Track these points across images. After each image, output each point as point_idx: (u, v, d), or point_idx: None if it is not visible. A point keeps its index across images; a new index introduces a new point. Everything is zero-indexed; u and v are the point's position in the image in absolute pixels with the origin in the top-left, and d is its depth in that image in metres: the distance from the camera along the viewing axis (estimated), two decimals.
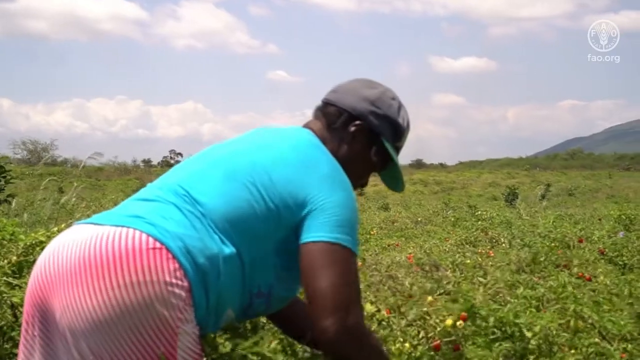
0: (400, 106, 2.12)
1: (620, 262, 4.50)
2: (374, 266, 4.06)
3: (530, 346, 2.29)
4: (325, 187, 1.85)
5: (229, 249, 1.77)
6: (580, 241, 5.29)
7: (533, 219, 9.48)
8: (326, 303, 1.75)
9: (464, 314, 2.44)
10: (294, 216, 1.82)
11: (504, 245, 6.30)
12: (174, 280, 1.65)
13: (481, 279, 3.15)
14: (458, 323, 2.43)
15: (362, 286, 2.66)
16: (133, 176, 41.68)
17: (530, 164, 67.75)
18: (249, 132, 2.09)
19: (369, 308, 2.62)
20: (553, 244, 4.99)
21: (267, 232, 1.82)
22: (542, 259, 4.18)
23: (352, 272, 1.81)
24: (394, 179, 2.21)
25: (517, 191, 24.21)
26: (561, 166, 64.27)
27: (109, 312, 1.62)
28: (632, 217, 7.03)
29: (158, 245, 1.67)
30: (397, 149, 2.15)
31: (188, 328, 1.69)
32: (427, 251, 6.35)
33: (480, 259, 4.23)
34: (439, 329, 2.45)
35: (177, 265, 1.67)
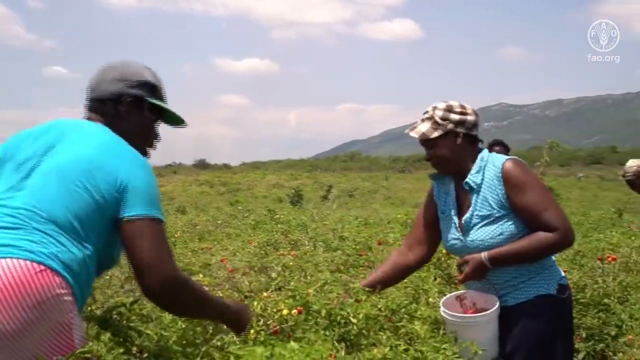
0: (144, 68, 2.56)
1: None
2: (217, 269, 4.51)
3: (354, 330, 2.87)
4: (133, 171, 2.27)
5: (88, 250, 2.21)
6: (380, 244, 6.04)
7: (325, 221, 10.24)
8: (144, 263, 2.19)
9: (300, 307, 2.97)
10: (115, 200, 2.22)
11: (307, 247, 6.83)
12: (61, 291, 2.09)
13: (304, 280, 3.70)
14: (293, 312, 2.96)
15: (207, 287, 3.12)
16: None
17: (311, 165, 68.33)
18: (55, 128, 2.39)
19: None
20: (358, 247, 5.70)
21: (103, 221, 2.24)
22: (352, 261, 4.85)
23: (163, 237, 2.27)
24: (174, 119, 2.65)
25: (301, 193, 25.19)
26: (341, 168, 64.70)
27: (19, 333, 1.99)
28: None
29: (43, 267, 2.07)
30: (162, 99, 2.58)
31: (77, 321, 2.15)
32: (236, 253, 6.73)
33: (300, 262, 4.78)
34: (277, 316, 2.88)
35: (61, 279, 2.10)
